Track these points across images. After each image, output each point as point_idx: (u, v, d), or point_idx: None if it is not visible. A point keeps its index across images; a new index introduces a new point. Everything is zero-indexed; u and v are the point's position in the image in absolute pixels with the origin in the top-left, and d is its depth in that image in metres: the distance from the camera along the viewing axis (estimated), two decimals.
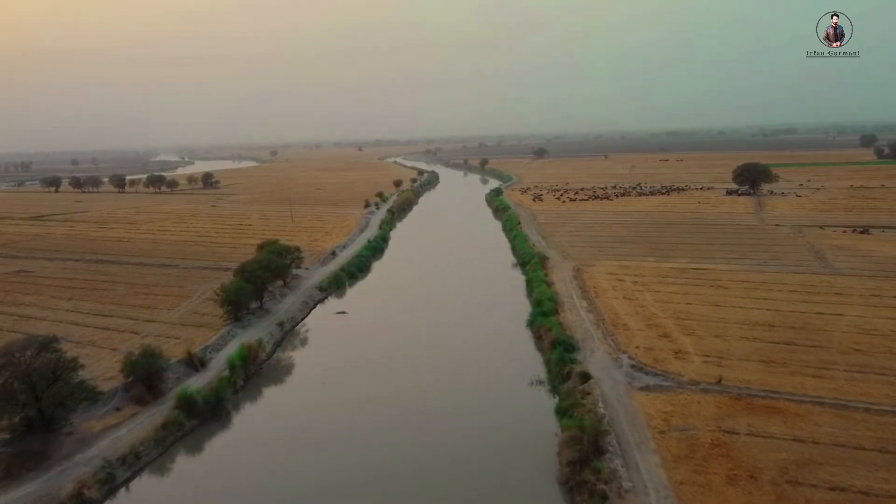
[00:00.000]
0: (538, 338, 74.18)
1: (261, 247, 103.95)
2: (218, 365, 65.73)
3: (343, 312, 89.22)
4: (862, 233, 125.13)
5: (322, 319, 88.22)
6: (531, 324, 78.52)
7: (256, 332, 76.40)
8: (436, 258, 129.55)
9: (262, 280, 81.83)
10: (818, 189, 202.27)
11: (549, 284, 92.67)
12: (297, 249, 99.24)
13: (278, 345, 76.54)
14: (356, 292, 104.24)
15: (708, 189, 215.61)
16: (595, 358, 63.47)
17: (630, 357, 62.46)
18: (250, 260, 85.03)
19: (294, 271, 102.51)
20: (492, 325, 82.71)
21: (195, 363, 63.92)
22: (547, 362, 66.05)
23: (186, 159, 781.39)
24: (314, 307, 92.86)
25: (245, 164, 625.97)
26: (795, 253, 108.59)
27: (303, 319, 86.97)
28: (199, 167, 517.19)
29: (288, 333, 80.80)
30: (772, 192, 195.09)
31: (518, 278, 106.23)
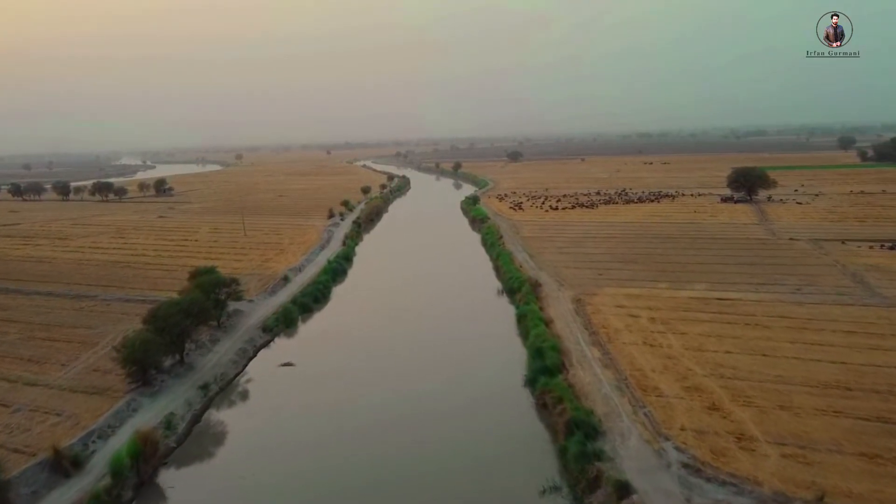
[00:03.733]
0: (542, 406, 56.47)
1: (193, 276, 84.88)
2: (102, 462, 46.79)
3: (289, 364, 70.28)
4: (892, 248, 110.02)
5: (263, 373, 69.27)
6: (531, 383, 60.76)
7: (168, 402, 57.52)
8: (407, 282, 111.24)
9: (180, 328, 62.81)
10: (816, 195, 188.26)
11: (548, 323, 75.11)
12: (235, 282, 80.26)
13: (197, 420, 57.43)
14: (310, 331, 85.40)
15: (699, 195, 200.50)
16: (629, 449, 45.91)
17: (678, 448, 45.03)
18: (165, 303, 65.71)
19: (234, 305, 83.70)
20: (479, 383, 64.54)
21: (64, 465, 44.88)
22: (562, 453, 48.14)
23: (148, 163, 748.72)
24: (254, 355, 73.90)
25: (209, 167, 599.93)
26: (828, 276, 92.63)
27: (237, 376, 67.96)
28: (160, 171, 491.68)
29: (213, 399, 61.77)
30: (769, 199, 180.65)
31: (506, 310, 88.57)
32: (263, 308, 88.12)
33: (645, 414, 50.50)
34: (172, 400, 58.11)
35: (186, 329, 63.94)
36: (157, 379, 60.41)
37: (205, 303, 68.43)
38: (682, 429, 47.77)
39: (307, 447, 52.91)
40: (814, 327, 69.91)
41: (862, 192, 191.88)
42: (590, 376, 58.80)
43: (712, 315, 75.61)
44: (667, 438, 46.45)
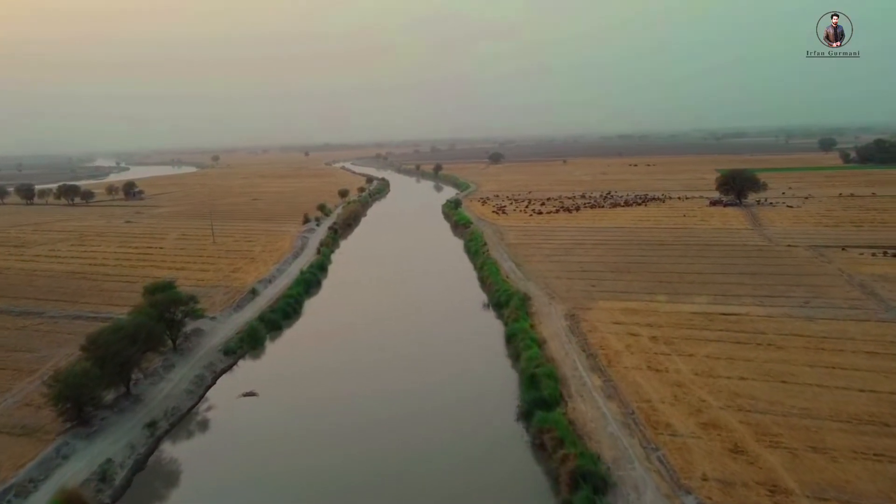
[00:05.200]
0: (539, 447, 49.39)
1: (149, 291, 76.79)
2: None
3: (251, 394, 62.44)
4: (895, 256, 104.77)
5: (221, 405, 61.38)
6: (526, 417, 53.68)
7: (108, 445, 49.65)
8: (386, 294, 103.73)
9: (125, 357, 54.86)
10: (806, 198, 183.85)
11: (541, 343, 68.17)
12: (193, 299, 72.20)
13: (140, 466, 49.44)
14: (278, 353, 77.55)
15: (687, 199, 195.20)
16: None
17: None
18: (108, 328, 57.52)
19: (194, 324, 75.81)
20: (466, 417, 57.13)
21: None
22: None
23: (122, 165, 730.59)
24: (213, 383, 65.99)
25: (185, 169, 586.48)
26: (836, 287, 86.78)
27: (192, 409, 60.06)
28: (133, 174, 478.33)
29: (162, 439, 53.90)
30: (759, 202, 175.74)
31: (493, 327, 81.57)
32: (227, 326, 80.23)
33: (659, 459, 43.65)
34: (113, 442, 50.21)
35: (133, 357, 55.97)
36: (97, 417, 52.50)
37: (155, 327, 60.37)
38: (705, 478, 40.96)
39: (267, 499, 45.34)
40: (831, 347, 63.73)
41: (852, 194, 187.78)
42: (592, 410, 51.85)
43: (719, 333, 69.15)
44: (688, 492, 39.60)
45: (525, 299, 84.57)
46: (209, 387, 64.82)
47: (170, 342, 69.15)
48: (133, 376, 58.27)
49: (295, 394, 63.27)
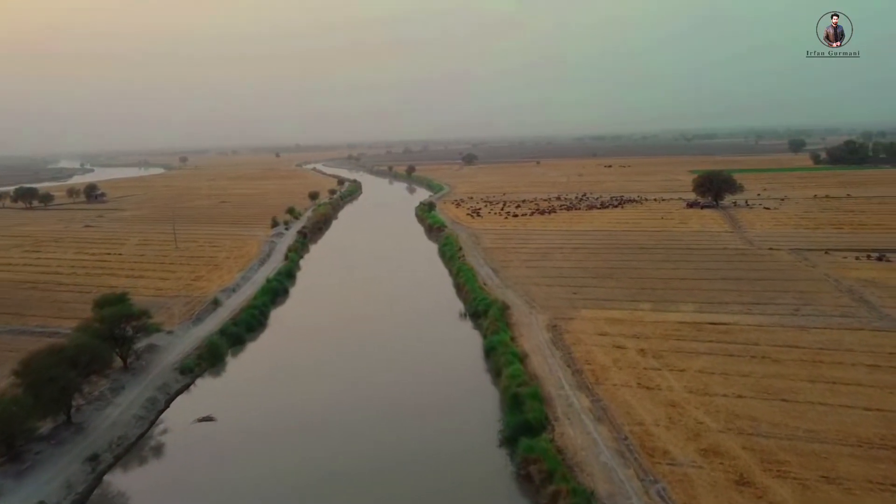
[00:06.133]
0: (525, 478, 44.87)
1: (98, 305, 70.81)
2: None
3: (208, 419, 56.94)
4: (879, 259, 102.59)
5: (175, 432, 55.83)
6: (510, 443, 49.16)
7: (42, 484, 43.98)
8: (357, 303, 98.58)
9: (64, 382, 49.11)
10: (783, 200, 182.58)
11: (522, 358, 63.78)
12: (146, 314, 66.41)
13: None
14: (240, 370, 71.95)
15: (664, 200, 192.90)
16: None
17: None
18: (43, 351, 51.37)
19: (149, 339, 70.06)
20: (444, 442, 52.52)
21: None
22: None
23: (87, 166, 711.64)
24: (167, 406, 60.34)
25: (152, 171, 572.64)
26: (824, 293, 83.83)
27: (142, 436, 54.43)
28: (98, 175, 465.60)
29: (105, 474, 48.26)
30: (735, 204, 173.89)
31: (471, 338, 77.10)
32: (186, 341, 74.48)
33: (660, 493, 39.43)
34: (47, 481, 44.54)
35: (73, 382, 50.27)
36: (30, 451, 46.79)
37: (100, 347, 54.62)
38: None
39: None
40: (829, 359, 60.35)
41: (827, 196, 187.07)
42: (582, 436, 47.48)
43: (709, 345, 65.44)
44: None
45: (504, 308, 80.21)
46: (162, 411, 59.17)
47: (120, 361, 63.36)
48: (74, 403, 52.52)
49: (256, 418, 57.84)
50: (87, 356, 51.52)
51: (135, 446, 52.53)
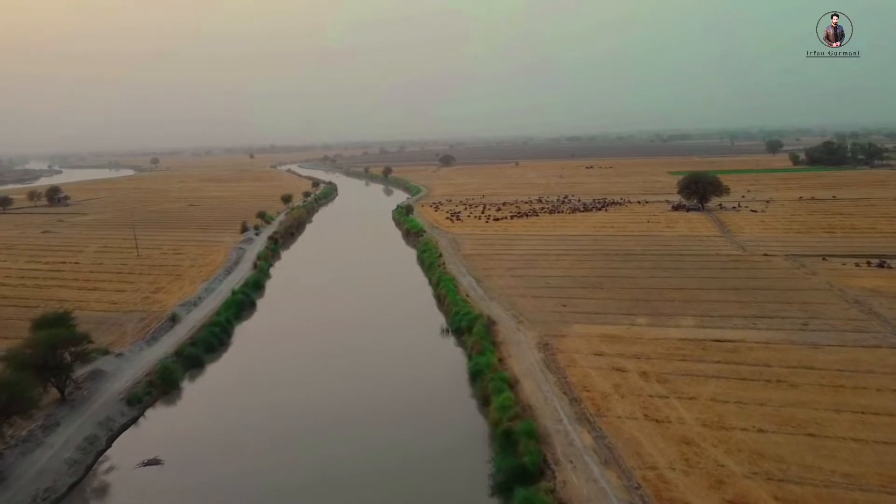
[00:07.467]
0: None
1: (37, 326, 63.01)
2: None
3: (155, 462, 49.40)
4: (880, 266, 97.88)
5: (115, 479, 48.18)
6: (502, 491, 42.49)
7: None
8: (331, 317, 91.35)
9: None
10: (768, 202, 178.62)
11: (513, 384, 57.23)
12: (87, 338, 58.72)
13: None
14: (195, 399, 64.17)
15: (648, 203, 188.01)
16: None
17: None
18: None
19: (94, 364, 62.26)
20: (425, 494, 45.75)
21: None
22: None
23: (56, 168, 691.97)
24: (108, 446, 52.69)
25: (122, 172, 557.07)
26: (830, 304, 78.51)
27: (75, 486, 46.77)
28: (65, 177, 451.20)
29: None
30: (721, 206, 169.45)
31: (454, 358, 70.42)
32: (136, 365, 66.72)
33: None
34: None
35: None
36: None
37: (20, 385, 46.79)
38: None
39: None
40: (850, 383, 54.61)
41: (812, 198, 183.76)
42: (588, 484, 40.96)
43: (717, 366, 59.42)
44: None
45: (489, 324, 73.64)
46: (102, 451, 51.56)
47: (56, 392, 55.64)
48: (6, 439, 44.82)
49: (210, 460, 50.53)
50: (5, 397, 43.75)
51: (64, 499, 44.87)
